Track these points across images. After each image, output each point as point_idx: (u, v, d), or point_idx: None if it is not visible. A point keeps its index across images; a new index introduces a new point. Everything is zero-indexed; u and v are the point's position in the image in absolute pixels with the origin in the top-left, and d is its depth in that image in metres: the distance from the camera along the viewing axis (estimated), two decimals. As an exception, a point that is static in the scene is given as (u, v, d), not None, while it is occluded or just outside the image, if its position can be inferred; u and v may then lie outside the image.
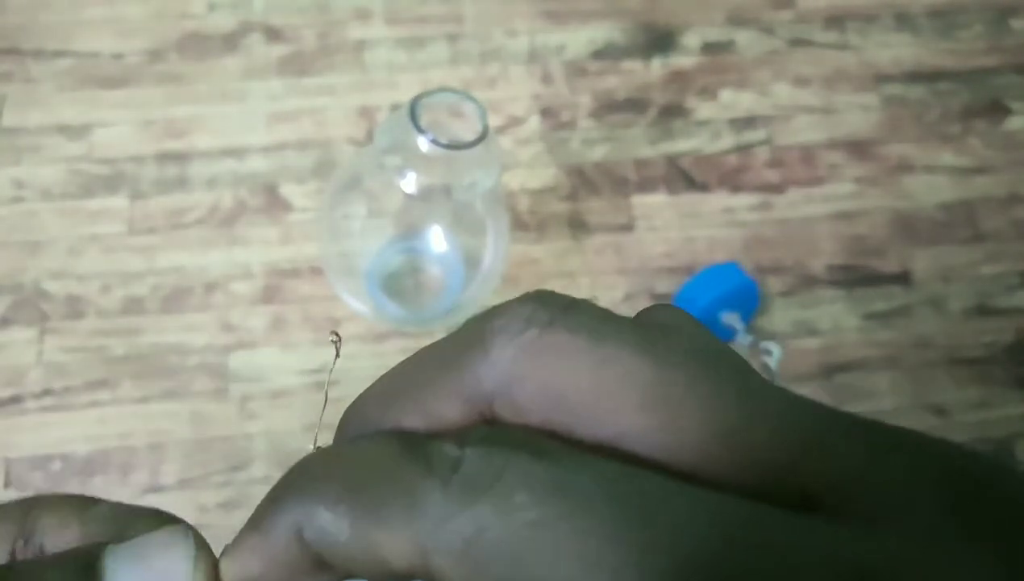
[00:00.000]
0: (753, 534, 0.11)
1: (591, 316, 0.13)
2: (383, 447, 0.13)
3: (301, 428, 0.46)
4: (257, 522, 0.14)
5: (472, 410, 0.14)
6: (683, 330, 0.14)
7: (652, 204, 0.53)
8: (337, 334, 0.17)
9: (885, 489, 0.11)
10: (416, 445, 0.13)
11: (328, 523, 0.13)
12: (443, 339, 0.15)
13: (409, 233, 0.49)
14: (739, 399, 0.12)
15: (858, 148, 0.55)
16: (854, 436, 0.12)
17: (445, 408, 0.14)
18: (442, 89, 0.39)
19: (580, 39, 0.57)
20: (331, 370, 0.17)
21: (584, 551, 0.11)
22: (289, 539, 0.13)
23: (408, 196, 0.40)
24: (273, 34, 0.56)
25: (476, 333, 0.14)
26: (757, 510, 0.11)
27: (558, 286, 0.20)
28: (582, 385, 0.13)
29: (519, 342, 0.13)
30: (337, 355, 0.17)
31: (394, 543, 0.12)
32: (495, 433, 0.13)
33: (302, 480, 0.14)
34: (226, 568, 0.14)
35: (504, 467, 0.12)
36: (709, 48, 0.57)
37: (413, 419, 0.14)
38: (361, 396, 0.15)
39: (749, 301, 0.49)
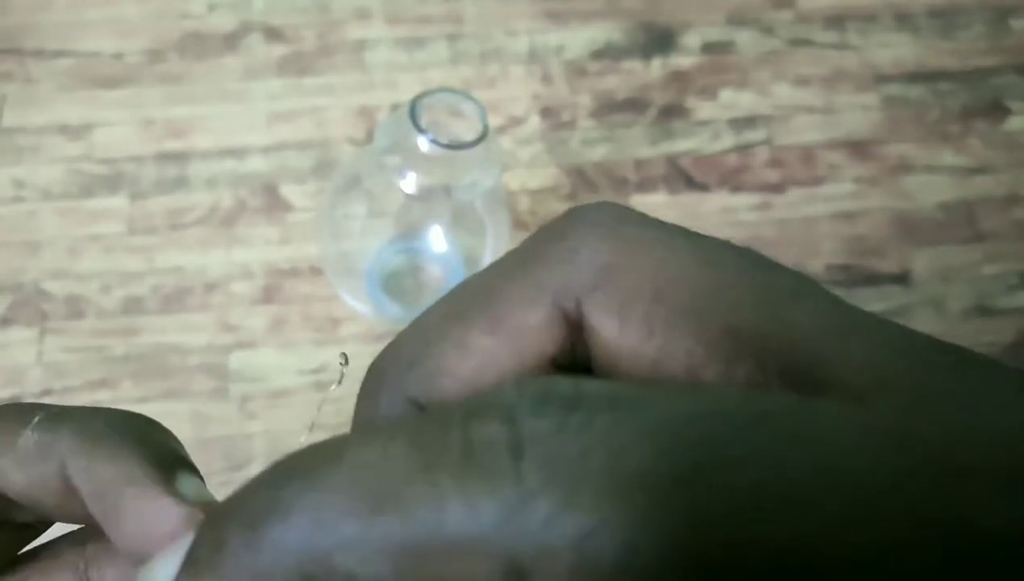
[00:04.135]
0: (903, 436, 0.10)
1: (674, 225, 0.13)
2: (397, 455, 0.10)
3: (301, 428, 0.46)
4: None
5: (555, 312, 0.12)
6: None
7: (652, 204, 0.53)
8: (345, 356, 0.17)
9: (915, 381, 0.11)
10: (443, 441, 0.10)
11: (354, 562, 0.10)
12: (521, 243, 0.13)
13: (409, 233, 0.49)
14: (844, 306, 0.12)
15: (858, 148, 0.55)
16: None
17: (526, 312, 0.12)
18: (442, 89, 0.39)
19: (580, 39, 0.57)
20: (332, 388, 0.17)
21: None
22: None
23: (408, 196, 0.40)
24: (273, 34, 0.56)
25: (565, 226, 0.13)
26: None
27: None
28: (688, 277, 0.12)
29: (619, 233, 0.12)
30: (340, 379, 0.17)
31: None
32: (536, 382, 0.10)
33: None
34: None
35: (585, 425, 0.10)
36: (709, 48, 0.57)
37: (481, 337, 0.13)
38: (418, 317, 0.14)
39: None
